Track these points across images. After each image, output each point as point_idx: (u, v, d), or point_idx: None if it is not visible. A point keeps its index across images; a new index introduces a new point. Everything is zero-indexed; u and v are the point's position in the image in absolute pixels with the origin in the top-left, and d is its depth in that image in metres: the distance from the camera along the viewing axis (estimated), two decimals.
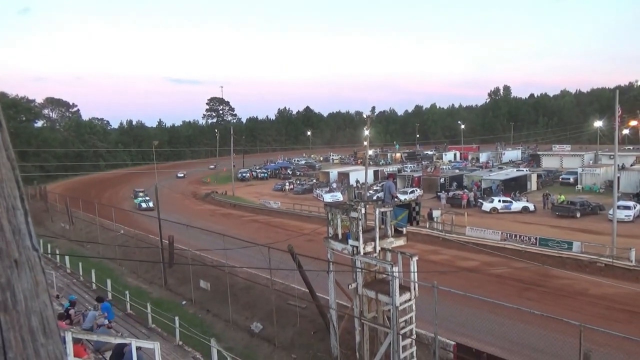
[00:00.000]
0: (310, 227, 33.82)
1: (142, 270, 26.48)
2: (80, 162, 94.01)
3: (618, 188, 31.12)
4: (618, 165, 34.97)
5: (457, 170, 65.65)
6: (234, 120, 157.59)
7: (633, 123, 50.41)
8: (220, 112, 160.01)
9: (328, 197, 49.47)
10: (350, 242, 13.20)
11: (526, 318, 15.22)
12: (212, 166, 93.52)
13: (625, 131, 62.17)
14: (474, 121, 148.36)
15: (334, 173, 73.09)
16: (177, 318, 15.40)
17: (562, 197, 40.88)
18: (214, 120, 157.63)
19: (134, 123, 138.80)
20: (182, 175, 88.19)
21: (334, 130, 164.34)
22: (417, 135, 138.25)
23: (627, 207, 35.91)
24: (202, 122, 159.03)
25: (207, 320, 19.32)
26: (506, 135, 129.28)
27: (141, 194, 59.77)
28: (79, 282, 23.14)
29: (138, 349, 11.38)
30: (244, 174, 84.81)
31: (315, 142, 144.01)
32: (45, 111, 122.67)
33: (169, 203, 53.70)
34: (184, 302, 21.48)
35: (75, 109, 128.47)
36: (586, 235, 30.52)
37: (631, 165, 55.88)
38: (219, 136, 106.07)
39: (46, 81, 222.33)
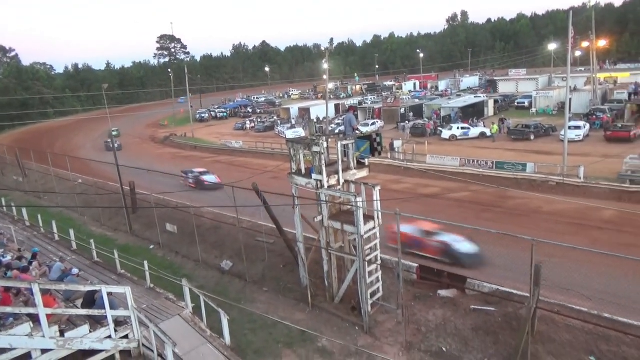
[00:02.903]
0: (274, 164, 33.79)
1: (106, 218, 26.08)
2: (26, 110, 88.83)
3: (570, 109, 32.20)
4: (570, 87, 35.91)
5: (417, 100, 65.95)
6: (188, 59, 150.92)
7: (585, 44, 51.19)
8: (172, 50, 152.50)
9: (290, 134, 49.18)
10: (314, 176, 13.28)
11: (483, 237, 16.07)
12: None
13: (578, 53, 63.33)
14: (433, 49, 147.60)
15: (294, 109, 72.14)
16: (146, 262, 15.42)
17: (495, 127, 42.03)
18: (166, 59, 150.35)
19: (80, 66, 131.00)
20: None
21: (293, 64, 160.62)
22: (377, 66, 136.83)
23: (578, 127, 37.40)
24: (153, 62, 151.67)
25: (177, 262, 19.47)
26: (464, 62, 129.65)
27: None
28: (41, 235, 22.58)
29: (109, 294, 11.45)
30: (203, 115, 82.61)
31: (274, 77, 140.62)
32: None
33: (127, 148, 52.20)
34: (151, 247, 21.47)
35: (13, 53, 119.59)
36: (539, 156, 31.84)
37: (583, 86, 57.58)
38: (173, 76, 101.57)
39: None
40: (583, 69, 69.48)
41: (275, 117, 70.85)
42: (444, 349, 11.61)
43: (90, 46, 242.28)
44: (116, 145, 50.19)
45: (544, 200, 23.50)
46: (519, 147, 36.98)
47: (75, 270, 13.58)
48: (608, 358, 10.37)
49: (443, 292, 13.89)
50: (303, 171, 14.00)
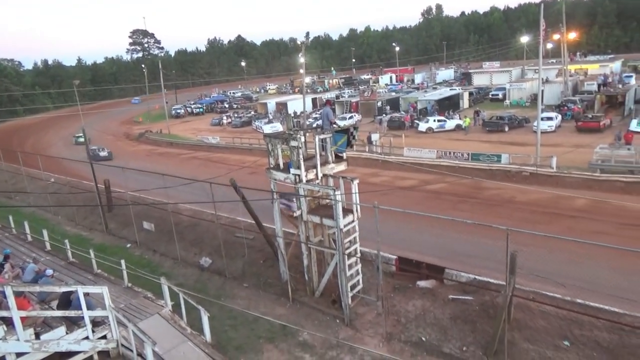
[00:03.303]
0: (252, 159, 33.62)
1: (80, 218, 25.55)
2: None
3: (542, 101, 32.85)
4: (542, 78, 36.61)
5: (393, 93, 66.37)
6: (162, 54, 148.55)
7: (556, 37, 52.26)
8: (146, 45, 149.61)
9: (267, 128, 48.94)
10: (292, 171, 13.26)
11: (460, 228, 16.37)
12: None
13: (549, 45, 64.53)
14: (408, 42, 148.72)
15: (271, 104, 71.79)
16: (123, 261, 15.16)
17: (467, 120, 42.75)
18: (139, 54, 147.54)
19: (50, 62, 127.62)
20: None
21: (269, 59, 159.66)
22: (353, 60, 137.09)
23: (550, 118, 38.24)
24: (126, 57, 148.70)
25: (155, 260, 19.22)
26: (439, 55, 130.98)
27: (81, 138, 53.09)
28: (12, 236, 21.94)
29: (86, 294, 11.23)
30: (178, 111, 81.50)
31: (250, 72, 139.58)
32: None
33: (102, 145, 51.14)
34: (128, 245, 21.14)
35: None
36: (513, 147, 32.46)
37: (555, 78, 58.77)
38: (146, 71, 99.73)
39: None
40: (554, 61, 70.83)
41: (252, 112, 70.36)
42: (424, 338, 11.79)
43: (60, 42, 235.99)
44: (106, 154, 45.21)
45: (518, 190, 23.99)
46: (493, 139, 37.60)
47: (49, 271, 13.26)
48: (581, 342, 10.69)
49: (422, 283, 14.07)
50: (281, 166, 13.98)
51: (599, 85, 51.49)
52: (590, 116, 38.53)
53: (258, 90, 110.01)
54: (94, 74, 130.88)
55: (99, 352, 11.42)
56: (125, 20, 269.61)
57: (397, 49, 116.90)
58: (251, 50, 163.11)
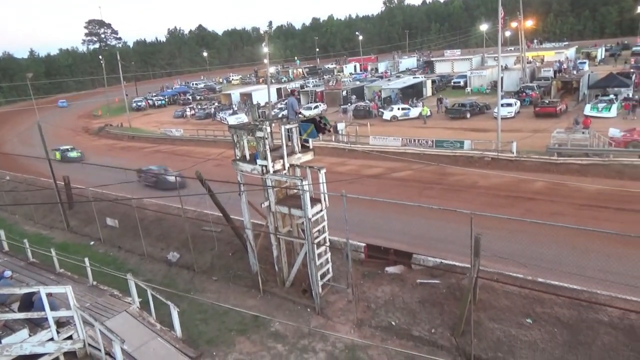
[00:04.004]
0: (217, 151, 33.13)
1: (40, 216, 24.63)
2: None
3: (502, 88, 33.70)
4: (501, 66, 37.51)
5: (358, 82, 66.64)
6: (120, 45, 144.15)
7: (514, 24, 53.67)
8: (102, 35, 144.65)
9: (232, 120, 48.34)
10: (259, 162, 13.16)
11: (426, 214, 16.71)
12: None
13: (508, 33, 66.14)
14: (371, 31, 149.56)
15: (235, 94, 70.84)
16: (87, 259, 14.74)
17: (426, 109, 43.34)
18: (96, 45, 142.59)
19: None
20: None
21: (232, 49, 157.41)
22: (317, 49, 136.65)
23: (509, 105, 39.30)
24: (82, 48, 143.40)
25: (120, 257, 18.78)
26: (402, 43, 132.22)
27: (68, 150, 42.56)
28: None
29: (48, 295, 10.89)
30: (139, 103, 79.37)
31: (212, 62, 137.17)
32: None
33: (59, 141, 49.32)
34: (92, 243, 20.56)
35: None
36: (475, 134, 33.24)
37: (513, 65, 60.33)
38: (104, 63, 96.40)
39: None
40: (512, 48, 72.62)
41: (216, 103, 69.27)
42: (393, 323, 12.02)
43: (10, 33, 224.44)
44: (174, 179, 33.45)
45: (480, 175, 24.62)
46: (456, 126, 38.36)
47: (8, 273, 12.77)
48: (543, 319, 11.13)
49: (390, 269, 14.31)
50: (247, 157, 13.84)
51: (554, 72, 53.26)
52: (547, 102, 39.81)
53: (221, 80, 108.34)
54: (48, 66, 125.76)
55: (65, 353, 11.14)
56: (79, 9, 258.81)
57: (361, 37, 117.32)
58: (213, 40, 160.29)
